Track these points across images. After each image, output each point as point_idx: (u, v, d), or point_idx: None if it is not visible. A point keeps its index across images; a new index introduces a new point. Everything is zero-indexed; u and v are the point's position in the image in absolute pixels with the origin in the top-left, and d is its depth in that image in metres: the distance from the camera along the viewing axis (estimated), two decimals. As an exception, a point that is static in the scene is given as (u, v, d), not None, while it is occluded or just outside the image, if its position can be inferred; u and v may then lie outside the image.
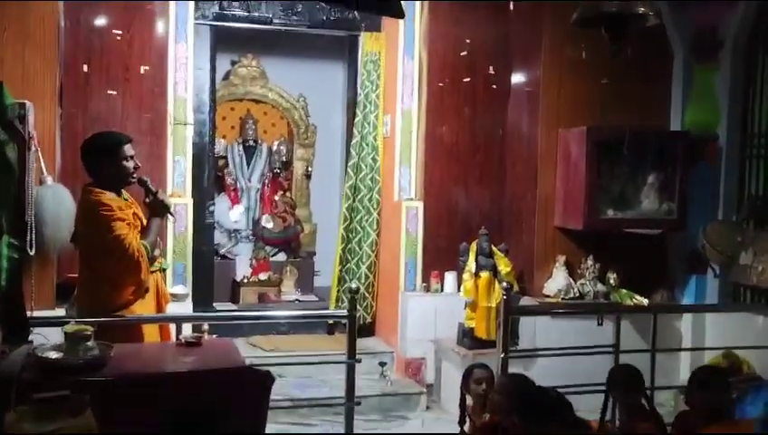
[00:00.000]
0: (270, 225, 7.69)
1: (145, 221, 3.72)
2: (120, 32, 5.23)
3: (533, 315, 5.38)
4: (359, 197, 6.28)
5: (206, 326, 5.32)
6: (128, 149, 3.63)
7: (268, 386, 3.14)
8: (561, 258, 5.69)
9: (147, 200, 3.73)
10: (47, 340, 3.21)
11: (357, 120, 6.31)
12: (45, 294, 4.62)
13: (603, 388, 4.57)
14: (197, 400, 2.86)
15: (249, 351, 5.87)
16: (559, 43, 5.72)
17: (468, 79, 6.04)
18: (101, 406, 2.67)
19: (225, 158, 7.87)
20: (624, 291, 5.65)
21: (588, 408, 3.95)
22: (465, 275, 5.52)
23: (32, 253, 4.34)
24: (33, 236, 4.36)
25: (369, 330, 6.35)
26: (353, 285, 4.05)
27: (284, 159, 8.06)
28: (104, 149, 3.58)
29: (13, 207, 3.32)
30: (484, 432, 3.73)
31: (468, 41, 6.00)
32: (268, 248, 7.65)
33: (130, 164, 3.63)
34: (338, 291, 6.29)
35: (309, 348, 5.90)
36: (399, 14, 3.95)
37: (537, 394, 3.16)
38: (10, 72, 4.56)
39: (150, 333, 3.72)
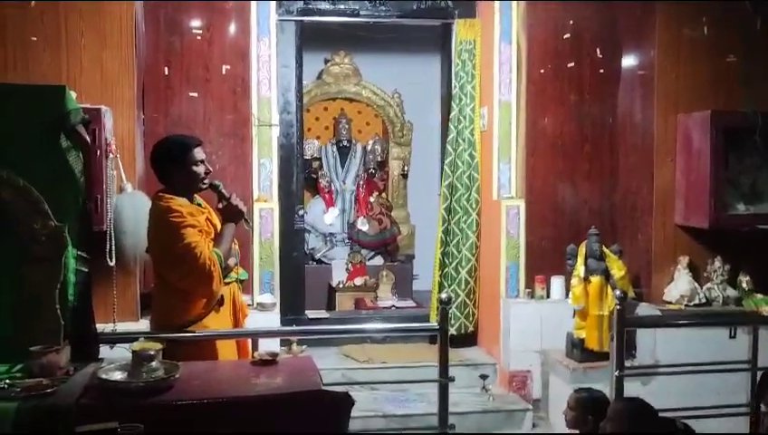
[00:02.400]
0: (365, 227, 7.41)
1: (219, 228, 3.47)
2: (199, 31, 5.06)
3: (652, 327, 4.79)
4: (456, 196, 5.87)
5: (294, 338, 5.08)
6: (197, 153, 3.38)
7: (345, 410, 2.82)
8: (684, 260, 5.09)
9: (220, 206, 3.48)
10: (129, 353, 3.01)
11: (452, 114, 5.90)
12: (128, 305, 4.49)
13: (737, 410, 4.04)
14: (265, 426, 2.59)
15: (342, 362, 5.60)
16: (675, 19, 5.15)
17: (573, 64, 5.51)
18: (161, 434, 2.45)
19: (319, 159, 7.67)
20: (760, 296, 5.00)
21: (717, 430, 3.42)
22: (574, 280, 5.01)
23: (112, 263, 4.21)
24: (114, 246, 4.22)
25: (471, 339, 5.93)
26: (444, 297, 3.65)
27: (380, 158, 7.79)
28: (171, 154, 3.35)
29: (79, 219, 3.12)
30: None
31: (572, 22, 5.47)
32: (364, 252, 7.38)
33: (201, 169, 3.39)
34: (438, 299, 5.90)
35: (405, 359, 5.55)
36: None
37: (659, 426, 2.66)
38: (89, 78, 4.47)
39: (226, 349, 3.47)
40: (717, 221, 4.88)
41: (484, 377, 5.31)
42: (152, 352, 2.79)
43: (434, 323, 3.85)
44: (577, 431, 3.46)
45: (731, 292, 5.05)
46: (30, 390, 2.56)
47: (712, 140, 4.87)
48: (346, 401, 2.80)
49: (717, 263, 5.08)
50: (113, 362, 2.89)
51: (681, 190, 5.13)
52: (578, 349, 4.96)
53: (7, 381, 2.60)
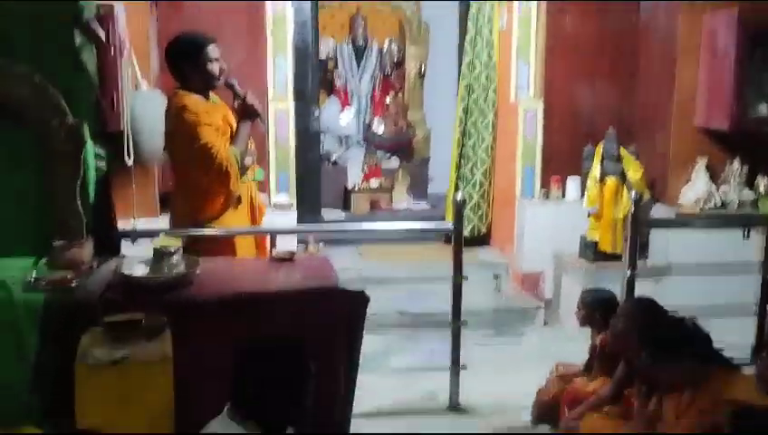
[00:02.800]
0: (381, 129, 7.38)
1: (235, 126, 3.47)
2: (213, -77, 4.90)
3: (667, 227, 4.81)
4: (473, 97, 5.79)
5: (311, 237, 5.15)
6: (211, 51, 3.34)
7: (362, 307, 2.90)
8: (702, 161, 5.05)
9: (235, 105, 3.47)
10: (150, 250, 3.07)
11: (471, 12, 5.75)
12: (147, 203, 4.54)
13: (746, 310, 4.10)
14: (283, 322, 2.66)
15: (357, 261, 5.69)
16: None
17: (596, -41, 5.31)
18: (182, 327, 2.53)
19: (335, 59, 7.55)
20: (776, 199, 4.97)
21: (725, 329, 3.47)
22: (590, 182, 5.02)
23: (129, 162, 4.22)
24: (131, 145, 4.22)
25: (484, 240, 5.99)
26: (459, 197, 3.67)
27: (396, 58, 7.65)
28: (185, 52, 3.31)
29: (96, 117, 3.13)
30: (596, 356, 3.37)
31: None
32: (380, 154, 7.37)
33: (215, 67, 3.36)
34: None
35: (419, 259, 5.63)
36: None
37: (668, 324, 2.72)
38: (100, -28, 4.35)
39: (244, 247, 3.53)
40: (739, 123, 4.80)
41: (496, 277, 5.38)
42: (173, 249, 2.84)
43: (448, 223, 3.87)
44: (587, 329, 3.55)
45: (747, 194, 5.03)
46: (55, 283, 2.63)
47: (738, 40, 4.73)
48: (362, 298, 2.86)
49: (735, 165, 5.04)
50: (135, 258, 2.95)
51: (703, 92, 5.03)
52: (590, 250, 5.01)
53: (34, 274, 2.67)
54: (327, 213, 6.44)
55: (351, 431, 2.91)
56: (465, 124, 5.86)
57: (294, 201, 5.21)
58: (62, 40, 2.94)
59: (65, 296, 2.57)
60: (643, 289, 3.87)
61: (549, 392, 3.55)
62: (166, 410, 2.31)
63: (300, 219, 5.28)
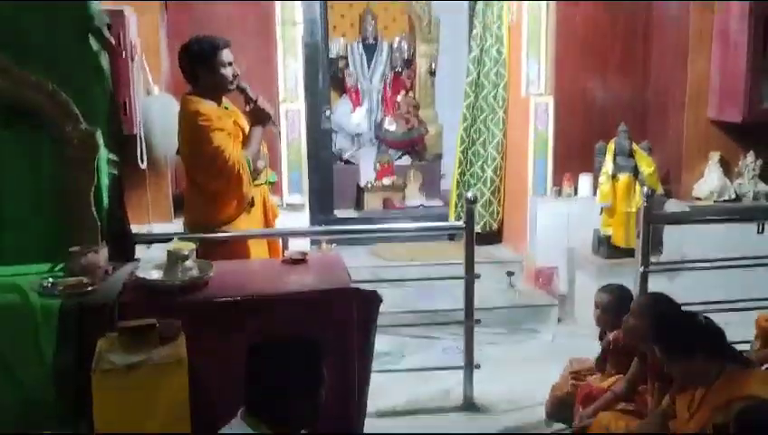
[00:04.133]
0: (393, 127, 7.37)
1: (247, 131, 3.50)
2: (221, -74, 4.91)
3: (679, 223, 4.79)
4: (482, 94, 5.78)
5: (323, 238, 5.17)
6: (225, 55, 3.37)
7: (374, 307, 2.91)
8: (715, 155, 5.03)
9: (247, 109, 3.49)
10: (165, 253, 3.10)
11: (478, 7, 5.74)
12: (161, 207, 4.58)
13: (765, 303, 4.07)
14: (296, 323, 2.68)
15: (371, 260, 5.70)
16: None
17: (606, -49, 5.28)
18: (197, 329, 2.55)
19: (345, 58, 7.56)
20: (791, 191, 4.94)
21: (740, 324, 3.46)
22: (602, 178, 4.99)
23: (143, 166, 4.27)
24: (144, 149, 4.27)
25: (495, 237, 5.98)
26: (470, 195, 3.68)
27: (406, 56, 7.65)
28: (200, 55, 3.33)
29: (109, 122, 3.16)
30: (610, 353, 3.37)
31: None
32: (392, 152, 7.37)
33: (229, 71, 3.39)
34: (457, 196, 5.93)
35: (432, 257, 5.63)
36: None
37: (681, 320, 2.71)
38: (111, -22, 4.39)
39: (258, 249, 3.56)
40: (752, 115, 4.79)
41: (510, 274, 5.38)
42: (186, 252, 2.87)
43: (460, 223, 3.87)
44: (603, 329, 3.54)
45: (762, 187, 5.00)
46: (72, 288, 2.66)
47: (750, 30, 4.71)
48: (374, 298, 2.88)
49: (750, 158, 5.01)
50: (149, 262, 2.98)
51: (716, 84, 5.01)
52: (604, 246, 5.00)
53: (50, 279, 2.70)
54: (340, 212, 6.46)
55: (365, 431, 2.93)
56: (474, 122, 5.85)
57: (307, 201, 5.22)
58: (77, 46, 2.97)
59: (82, 301, 2.60)
60: (657, 284, 3.86)
61: (563, 389, 3.56)
62: (182, 413, 2.33)
63: (312, 219, 5.30)
